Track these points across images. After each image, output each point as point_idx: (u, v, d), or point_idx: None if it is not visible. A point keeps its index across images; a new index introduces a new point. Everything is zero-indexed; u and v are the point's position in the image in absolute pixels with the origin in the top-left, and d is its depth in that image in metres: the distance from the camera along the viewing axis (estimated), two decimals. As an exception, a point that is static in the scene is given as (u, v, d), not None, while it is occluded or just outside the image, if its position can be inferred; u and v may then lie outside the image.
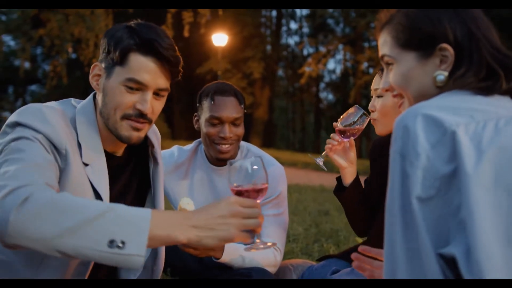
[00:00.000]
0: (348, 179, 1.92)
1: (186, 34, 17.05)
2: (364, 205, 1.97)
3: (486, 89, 1.01)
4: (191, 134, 24.14)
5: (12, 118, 1.33)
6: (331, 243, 3.51)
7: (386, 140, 1.92)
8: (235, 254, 1.93)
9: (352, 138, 1.84)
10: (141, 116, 1.41)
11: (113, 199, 1.49)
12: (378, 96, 1.80)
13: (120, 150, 1.56)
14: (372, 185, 1.96)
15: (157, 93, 1.43)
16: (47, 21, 16.97)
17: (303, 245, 3.47)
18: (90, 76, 1.46)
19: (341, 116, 1.83)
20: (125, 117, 1.40)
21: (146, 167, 1.65)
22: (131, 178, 1.61)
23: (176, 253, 2.14)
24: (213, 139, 2.05)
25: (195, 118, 2.16)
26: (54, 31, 16.86)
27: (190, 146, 2.25)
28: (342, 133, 1.81)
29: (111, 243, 1.05)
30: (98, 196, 1.42)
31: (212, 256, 1.87)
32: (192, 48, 23.18)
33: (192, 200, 2.14)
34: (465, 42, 1.07)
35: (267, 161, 2.16)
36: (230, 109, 2.04)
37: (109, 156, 1.50)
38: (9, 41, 25.93)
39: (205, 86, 2.16)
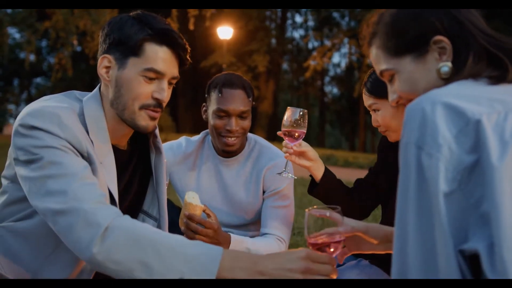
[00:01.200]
0: (318, 175, 1.92)
1: (191, 27, 17.02)
2: (346, 192, 1.97)
3: (496, 78, 0.99)
4: (196, 127, 24.12)
5: (26, 120, 1.29)
6: (336, 237, 3.51)
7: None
8: (241, 247, 1.94)
9: (301, 139, 1.83)
10: (158, 105, 1.43)
11: (120, 193, 1.49)
12: (375, 110, 1.79)
13: (123, 143, 1.55)
14: (380, 180, 1.96)
15: (170, 82, 1.45)
16: (52, 14, 16.97)
17: (308, 238, 3.48)
18: (99, 68, 1.44)
19: (283, 123, 1.81)
20: (144, 107, 1.41)
21: (147, 156, 1.64)
22: (135, 170, 1.60)
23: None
24: (219, 132, 2.04)
25: (203, 109, 2.15)
26: (59, 23, 16.85)
27: (197, 137, 2.25)
28: (291, 136, 1.80)
29: None
30: (110, 195, 1.40)
31: None
32: (197, 41, 23.14)
33: (199, 191, 2.15)
34: (456, 30, 1.06)
35: (275, 153, 2.16)
36: (238, 102, 2.02)
37: (115, 150, 1.49)
38: (15, 33, 26.00)
39: (214, 76, 2.15)
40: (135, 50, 1.38)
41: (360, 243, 1.36)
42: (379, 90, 1.72)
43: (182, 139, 2.26)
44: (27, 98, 37.33)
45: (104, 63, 1.44)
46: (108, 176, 1.41)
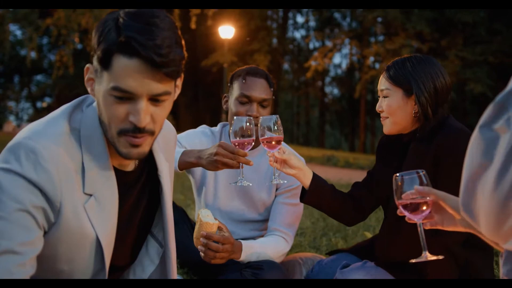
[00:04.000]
0: (305, 183, 1.90)
1: (193, 26, 17.03)
2: (339, 198, 1.97)
3: None
4: (196, 126, 24.02)
5: (5, 154, 1.14)
6: (339, 237, 3.51)
7: (392, 138, 1.92)
8: (251, 251, 1.99)
9: (280, 145, 1.81)
10: (138, 130, 1.17)
11: (122, 218, 1.34)
12: (384, 97, 1.83)
13: (128, 165, 1.35)
14: (379, 180, 1.95)
15: (155, 99, 1.17)
16: (54, 11, 16.97)
17: (311, 238, 3.48)
18: (85, 81, 1.23)
19: (259, 132, 1.79)
20: (122, 132, 1.18)
21: (156, 179, 1.45)
22: (144, 188, 1.43)
23: (186, 249, 2.15)
24: None
25: (224, 99, 2.22)
26: (61, 21, 16.85)
27: (217, 128, 2.29)
28: (269, 143, 1.79)
29: None
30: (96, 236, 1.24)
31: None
32: (198, 40, 23.13)
33: (216, 181, 2.16)
34: None
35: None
36: (260, 89, 2.09)
37: (118, 173, 1.31)
38: (16, 30, 26.04)
39: (237, 69, 2.22)
40: (105, 63, 1.13)
41: (444, 219, 1.35)
42: (398, 79, 1.79)
43: (205, 128, 2.30)
44: (28, 96, 37.34)
45: (88, 75, 1.22)
46: (97, 213, 1.23)
